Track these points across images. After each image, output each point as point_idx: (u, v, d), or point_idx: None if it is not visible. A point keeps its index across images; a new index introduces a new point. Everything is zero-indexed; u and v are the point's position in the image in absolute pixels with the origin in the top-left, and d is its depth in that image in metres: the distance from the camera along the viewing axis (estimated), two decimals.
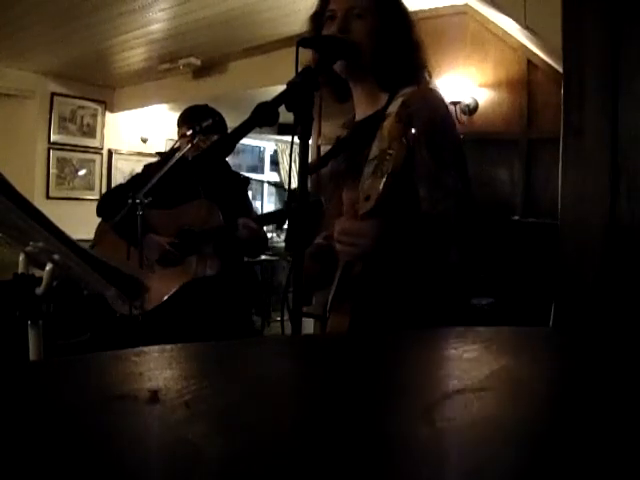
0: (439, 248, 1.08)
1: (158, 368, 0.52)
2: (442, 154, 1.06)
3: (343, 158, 1.21)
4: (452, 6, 3.21)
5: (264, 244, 2.22)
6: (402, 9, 1.20)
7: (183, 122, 2.15)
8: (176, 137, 2.22)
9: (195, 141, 2.02)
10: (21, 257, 1.09)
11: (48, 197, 5.38)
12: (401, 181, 1.00)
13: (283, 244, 5.07)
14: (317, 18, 1.23)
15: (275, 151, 7.47)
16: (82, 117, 5.63)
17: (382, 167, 0.98)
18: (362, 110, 1.23)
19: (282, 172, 7.13)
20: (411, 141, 0.99)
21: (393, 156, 0.97)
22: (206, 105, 2.22)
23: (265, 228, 2.30)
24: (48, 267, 1.09)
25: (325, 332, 1.22)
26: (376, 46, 1.14)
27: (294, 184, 0.99)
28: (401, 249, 1.05)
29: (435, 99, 1.12)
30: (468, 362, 0.60)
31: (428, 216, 1.06)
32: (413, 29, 1.20)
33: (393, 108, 1.08)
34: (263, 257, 5.05)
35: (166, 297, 2.01)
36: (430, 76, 1.21)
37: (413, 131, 0.98)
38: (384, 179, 0.97)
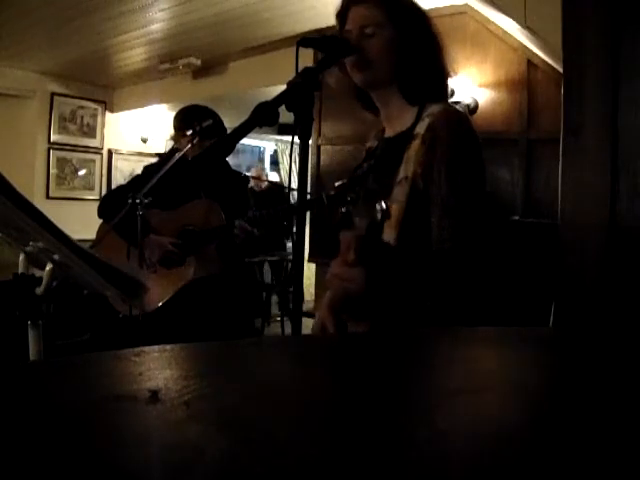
0: (444, 283, 1.07)
1: (158, 368, 0.52)
2: (457, 181, 1.06)
3: (374, 178, 1.20)
4: (452, 6, 3.21)
5: (261, 244, 2.22)
6: (419, 17, 1.19)
7: (182, 122, 2.15)
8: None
9: (195, 141, 2.02)
10: (21, 257, 1.09)
11: (48, 197, 5.38)
12: (418, 207, 1.05)
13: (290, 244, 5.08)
14: None
15: (275, 151, 7.47)
16: (82, 117, 5.63)
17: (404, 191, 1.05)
18: (391, 126, 1.23)
19: (282, 172, 7.13)
20: (433, 167, 1.04)
21: (409, 181, 1.04)
22: (200, 105, 2.22)
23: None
24: (48, 267, 1.09)
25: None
26: (395, 60, 1.14)
27: (294, 184, 0.99)
28: (406, 282, 1.06)
29: (459, 124, 1.10)
30: (468, 362, 0.60)
31: (436, 252, 1.07)
32: (434, 35, 1.19)
33: (420, 129, 1.09)
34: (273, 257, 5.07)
35: (167, 298, 2.01)
36: (447, 89, 1.21)
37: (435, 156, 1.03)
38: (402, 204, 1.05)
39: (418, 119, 1.12)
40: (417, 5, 1.20)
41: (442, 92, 1.19)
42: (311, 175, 3.78)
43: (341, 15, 1.20)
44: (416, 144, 1.07)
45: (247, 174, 3.47)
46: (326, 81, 1.21)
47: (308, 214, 2.88)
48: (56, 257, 1.06)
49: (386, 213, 1.06)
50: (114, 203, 2.04)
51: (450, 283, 1.06)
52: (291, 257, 5.41)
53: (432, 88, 1.16)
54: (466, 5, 3.14)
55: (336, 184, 1.38)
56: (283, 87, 0.98)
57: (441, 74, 1.19)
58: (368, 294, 1.03)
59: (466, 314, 1.09)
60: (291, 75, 0.97)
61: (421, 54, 1.15)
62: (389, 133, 1.23)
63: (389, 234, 1.07)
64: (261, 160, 7.82)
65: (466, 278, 1.06)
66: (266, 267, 5.59)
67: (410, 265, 1.07)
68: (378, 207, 1.07)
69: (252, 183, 5.82)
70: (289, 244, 5.02)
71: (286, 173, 6.94)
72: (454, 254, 1.05)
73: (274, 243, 5.12)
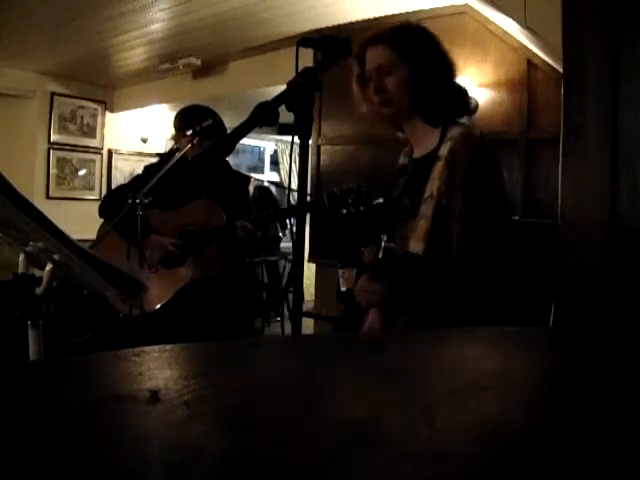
0: (458, 293, 1.20)
1: (158, 368, 0.52)
2: (474, 200, 1.16)
3: (407, 195, 1.31)
4: (452, 6, 3.21)
5: (269, 243, 2.22)
6: (432, 49, 1.28)
7: (182, 122, 2.15)
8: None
9: (195, 141, 2.02)
10: (21, 257, 1.09)
11: (48, 197, 5.38)
12: (442, 222, 1.18)
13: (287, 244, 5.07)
14: (360, 79, 1.33)
15: (275, 151, 7.47)
16: (82, 117, 5.63)
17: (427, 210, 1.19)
18: (418, 147, 1.34)
19: (282, 172, 7.13)
20: (454, 186, 1.16)
21: (434, 199, 1.17)
22: (201, 105, 2.22)
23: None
24: (48, 267, 1.09)
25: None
26: (413, 94, 1.25)
27: (294, 184, 1.00)
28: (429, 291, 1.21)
29: (476, 148, 1.21)
30: (468, 362, 0.60)
31: (454, 265, 1.18)
32: (448, 63, 1.29)
33: (443, 151, 1.21)
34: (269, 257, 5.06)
35: (168, 298, 2.01)
36: (471, 105, 1.36)
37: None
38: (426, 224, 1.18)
39: (441, 141, 1.23)
40: (430, 38, 1.30)
41: (462, 111, 1.31)
42: (311, 175, 3.78)
43: (359, 57, 1.31)
44: (440, 165, 1.19)
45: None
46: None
47: (308, 214, 2.88)
48: (56, 257, 1.06)
49: (388, 251, 1.20)
50: (115, 203, 2.04)
51: (463, 294, 1.18)
52: (284, 257, 5.42)
53: (452, 111, 1.28)
54: (466, 5, 3.14)
55: (374, 202, 1.50)
56: (283, 87, 0.98)
57: (458, 97, 1.30)
58: (391, 303, 1.20)
59: (470, 315, 1.19)
60: (291, 75, 0.97)
61: (437, 84, 1.26)
62: (417, 154, 1.34)
63: (417, 246, 1.20)
64: (261, 160, 7.82)
65: (477, 290, 1.18)
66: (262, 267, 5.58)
67: (432, 274, 1.20)
68: (383, 240, 1.21)
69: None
70: (285, 244, 5.02)
71: (286, 173, 6.94)
72: (468, 268, 1.17)
73: (274, 243, 5.12)
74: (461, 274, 1.17)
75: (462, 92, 1.32)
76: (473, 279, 1.18)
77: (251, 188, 5.91)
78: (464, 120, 1.30)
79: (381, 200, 1.50)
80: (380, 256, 1.19)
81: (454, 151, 1.18)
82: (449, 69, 1.29)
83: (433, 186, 1.19)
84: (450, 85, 1.28)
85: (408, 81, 1.25)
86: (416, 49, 1.26)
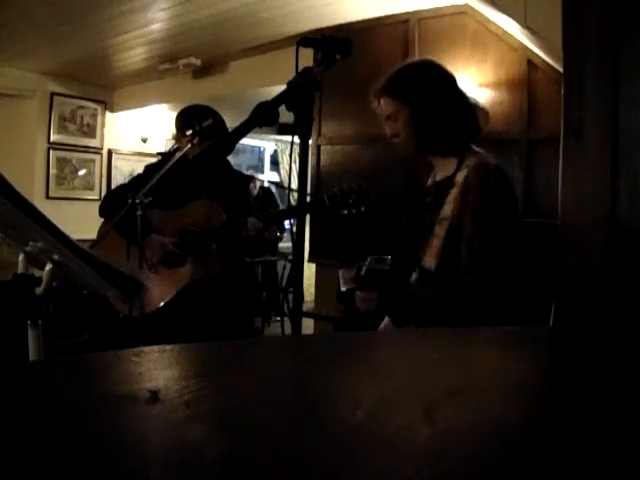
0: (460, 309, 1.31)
1: (158, 368, 0.52)
2: (482, 226, 1.27)
3: (428, 214, 1.43)
4: (452, 6, 3.21)
5: (271, 243, 2.21)
6: (435, 87, 1.39)
7: (182, 122, 2.14)
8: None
9: (195, 141, 2.02)
10: (21, 257, 1.09)
11: (48, 197, 5.37)
12: (453, 242, 1.30)
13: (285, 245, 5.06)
14: (380, 115, 1.48)
15: (275, 151, 7.47)
16: (82, 117, 5.62)
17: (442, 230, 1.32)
18: (440, 171, 1.46)
19: (282, 172, 7.13)
20: (465, 214, 1.28)
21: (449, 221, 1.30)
22: (202, 105, 2.22)
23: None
24: (48, 267, 1.08)
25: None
26: (416, 134, 1.38)
27: (294, 184, 1.01)
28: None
29: (488, 177, 1.31)
30: (468, 362, 0.60)
31: (459, 284, 1.29)
32: (456, 95, 1.41)
33: (459, 177, 1.33)
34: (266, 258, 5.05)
35: (169, 298, 2.01)
36: (479, 125, 1.43)
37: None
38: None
39: (458, 168, 1.35)
40: (432, 74, 1.42)
41: (474, 135, 1.41)
42: (311, 175, 3.78)
43: (377, 101, 1.45)
44: (455, 191, 1.32)
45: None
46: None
47: (308, 214, 2.88)
48: (56, 257, 1.06)
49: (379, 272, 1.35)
50: (115, 202, 2.04)
51: (467, 309, 1.29)
52: (284, 257, 5.41)
53: (462, 139, 1.39)
54: (466, 5, 3.14)
55: (403, 221, 1.59)
56: (283, 87, 0.98)
57: (467, 124, 1.40)
58: (382, 310, 1.38)
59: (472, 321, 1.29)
60: (291, 75, 0.97)
61: (439, 121, 1.36)
62: (438, 177, 1.46)
63: (430, 262, 1.33)
64: (261, 160, 7.82)
65: (480, 306, 1.29)
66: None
67: (440, 289, 1.32)
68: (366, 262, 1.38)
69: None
70: (285, 244, 5.01)
71: (286, 173, 6.94)
72: (472, 287, 1.27)
73: (275, 244, 5.10)
74: (466, 291, 1.28)
75: (471, 117, 1.42)
76: (476, 297, 1.29)
77: (256, 188, 5.92)
78: (479, 150, 1.40)
79: (407, 217, 1.62)
80: (362, 273, 1.36)
81: (467, 179, 1.30)
82: (452, 101, 1.40)
83: (448, 209, 1.31)
84: (455, 116, 1.38)
85: (410, 123, 1.38)
86: (415, 92, 1.38)
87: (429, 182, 1.55)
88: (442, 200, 1.35)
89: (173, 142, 2.28)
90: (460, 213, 1.29)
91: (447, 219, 1.31)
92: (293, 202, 3.68)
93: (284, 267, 5.66)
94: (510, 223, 1.34)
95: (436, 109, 1.37)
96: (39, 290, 1.09)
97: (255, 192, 5.86)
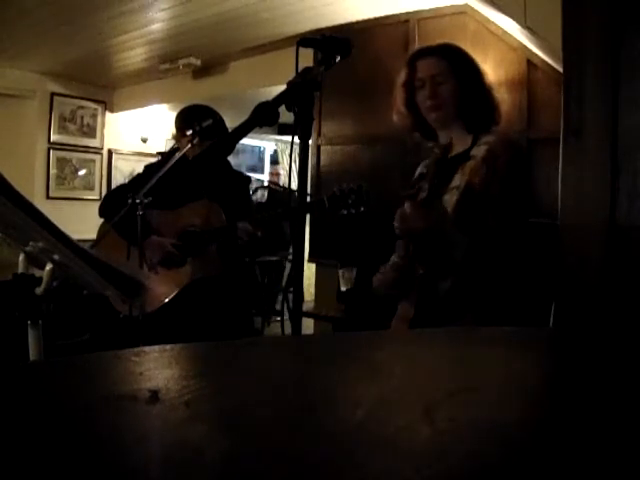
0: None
1: (158, 368, 0.52)
2: (508, 194, 1.32)
3: (428, 187, 1.44)
4: (452, 6, 3.21)
5: (265, 245, 2.21)
6: (474, 67, 1.48)
7: (182, 122, 2.14)
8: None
9: (195, 141, 2.02)
10: (21, 257, 1.09)
11: (48, 197, 5.37)
12: (465, 212, 1.31)
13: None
14: (408, 85, 1.49)
15: (275, 151, 7.47)
16: (82, 117, 5.62)
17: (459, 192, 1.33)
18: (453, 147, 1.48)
19: (282, 172, 7.13)
20: (492, 178, 1.31)
21: (472, 185, 1.32)
22: (202, 105, 2.22)
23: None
24: (48, 267, 1.08)
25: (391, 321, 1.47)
26: (459, 101, 1.43)
27: (294, 184, 1.00)
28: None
29: (516, 152, 1.40)
30: (468, 362, 0.60)
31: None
32: (484, 80, 1.48)
33: (477, 152, 1.37)
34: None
35: (168, 298, 2.01)
36: (500, 115, 1.50)
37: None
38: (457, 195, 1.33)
39: (473, 145, 1.40)
40: (472, 59, 1.50)
41: (494, 121, 1.48)
42: (311, 175, 3.78)
43: (410, 64, 1.48)
44: (471, 163, 1.35)
45: (250, 174, 3.46)
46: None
47: (308, 214, 2.88)
48: (56, 257, 1.06)
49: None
50: (115, 202, 2.04)
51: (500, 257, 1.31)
52: (284, 257, 5.41)
53: (486, 120, 1.45)
54: (466, 5, 3.14)
55: (403, 194, 1.53)
56: (283, 87, 0.97)
57: (491, 108, 1.47)
58: (430, 235, 1.31)
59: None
60: (291, 75, 0.97)
61: (477, 96, 1.44)
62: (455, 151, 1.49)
63: None
64: (261, 160, 7.82)
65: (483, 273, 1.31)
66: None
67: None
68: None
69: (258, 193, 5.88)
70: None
71: (286, 173, 6.94)
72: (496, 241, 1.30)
73: (277, 244, 5.10)
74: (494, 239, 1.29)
75: (495, 105, 1.48)
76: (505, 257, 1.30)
77: (264, 192, 5.91)
78: (495, 129, 1.47)
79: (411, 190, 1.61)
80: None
81: (494, 152, 1.34)
82: (485, 85, 1.47)
83: (459, 180, 1.34)
84: (485, 99, 1.46)
85: (456, 91, 1.43)
86: (462, 65, 1.45)
87: (419, 170, 1.58)
88: (452, 173, 1.38)
89: (173, 142, 2.28)
90: (484, 181, 1.32)
91: (458, 188, 1.34)
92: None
93: (284, 267, 5.66)
94: (529, 192, 1.45)
95: (476, 86, 1.44)
96: (39, 290, 1.09)
97: (259, 193, 5.87)
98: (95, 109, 5.69)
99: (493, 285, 1.32)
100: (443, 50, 1.48)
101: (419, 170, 1.59)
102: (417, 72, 1.46)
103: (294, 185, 1.00)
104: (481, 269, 1.32)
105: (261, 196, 5.99)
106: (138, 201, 1.85)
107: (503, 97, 3.14)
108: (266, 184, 6.68)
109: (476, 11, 3.10)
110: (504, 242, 1.31)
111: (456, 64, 1.45)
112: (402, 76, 1.51)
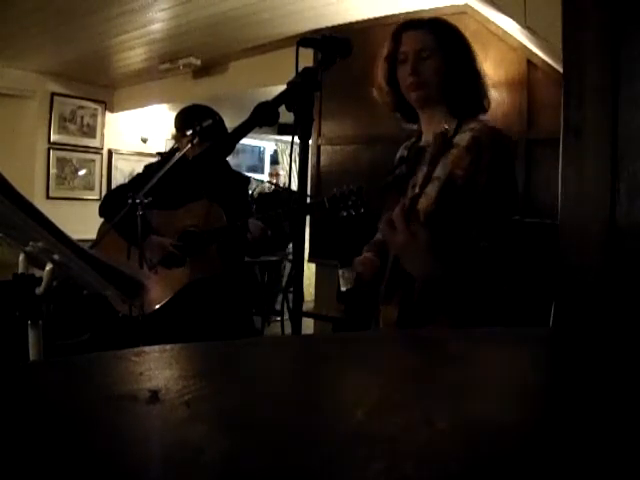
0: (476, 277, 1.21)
1: (158, 368, 0.52)
2: (493, 189, 1.20)
3: (408, 175, 1.34)
4: (452, 6, 3.21)
5: (273, 243, 2.21)
6: (464, 45, 1.36)
7: (182, 122, 2.15)
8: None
9: (195, 141, 2.02)
10: (21, 257, 1.09)
11: (48, 197, 5.38)
12: (448, 203, 1.20)
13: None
14: (390, 59, 1.38)
15: (275, 151, 7.47)
16: (82, 117, 5.63)
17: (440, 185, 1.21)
18: (430, 135, 1.34)
19: (282, 172, 7.13)
20: (476, 170, 1.19)
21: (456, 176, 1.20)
22: (201, 105, 2.22)
23: None
24: (48, 267, 1.09)
25: (377, 323, 1.37)
26: (444, 81, 1.30)
27: (294, 184, 1.00)
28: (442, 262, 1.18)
29: (503, 142, 1.26)
30: (468, 362, 0.60)
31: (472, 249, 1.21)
32: (475, 62, 1.36)
33: (461, 140, 1.24)
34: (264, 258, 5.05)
35: (168, 298, 2.01)
36: (489, 103, 1.36)
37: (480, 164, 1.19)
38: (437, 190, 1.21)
39: (457, 131, 1.27)
40: (462, 36, 1.40)
41: (481, 108, 1.35)
42: (311, 175, 3.78)
43: (395, 36, 1.37)
44: (455, 152, 1.22)
45: (252, 175, 3.47)
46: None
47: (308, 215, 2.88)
48: (56, 257, 1.06)
49: None
50: (115, 202, 2.04)
51: (486, 276, 1.20)
52: (284, 257, 5.42)
53: (472, 104, 1.33)
54: (466, 5, 3.14)
55: (383, 184, 1.47)
56: (283, 87, 0.97)
57: (480, 93, 1.34)
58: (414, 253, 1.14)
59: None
60: (291, 75, 0.97)
61: (464, 77, 1.31)
62: (424, 142, 1.38)
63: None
64: (261, 160, 7.82)
65: (499, 272, 1.21)
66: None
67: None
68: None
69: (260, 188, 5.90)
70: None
71: (286, 173, 6.94)
72: (488, 253, 1.19)
73: (281, 243, 5.11)
74: (482, 257, 1.18)
75: (484, 91, 1.36)
76: (495, 262, 1.20)
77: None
78: (483, 117, 1.35)
79: (385, 181, 1.51)
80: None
81: (479, 141, 1.21)
82: (474, 65, 1.35)
83: (443, 169, 1.21)
84: (474, 80, 1.33)
85: (442, 68, 1.29)
86: (451, 41, 1.33)
87: (400, 154, 1.47)
88: (435, 161, 1.24)
89: (173, 142, 2.28)
90: (467, 174, 1.20)
91: (439, 179, 1.21)
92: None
93: (283, 267, 5.67)
94: (516, 185, 1.29)
95: (465, 65, 1.33)
96: (39, 290, 1.09)
97: (259, 189, 5.90)
98: (95, 109, 5.69)
99: (468, 286, 1.20)
100: (432, 24, 1.36)
101: (399, 153, 1.48)
102: (401, 45, 1.34)
103: (294, 185, 1.00)
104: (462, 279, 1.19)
105: (268, 188, 6.01)
106: (138, 201, 1.85)
107: (503, 97, 3.15)
108: (266, 184, 6.68)
109: (476, 11, 3.10)
110: (490, 250, 1.20)
111: (444, 40, 1.32)
112: (385, 48, 1.39)
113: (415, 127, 1.45)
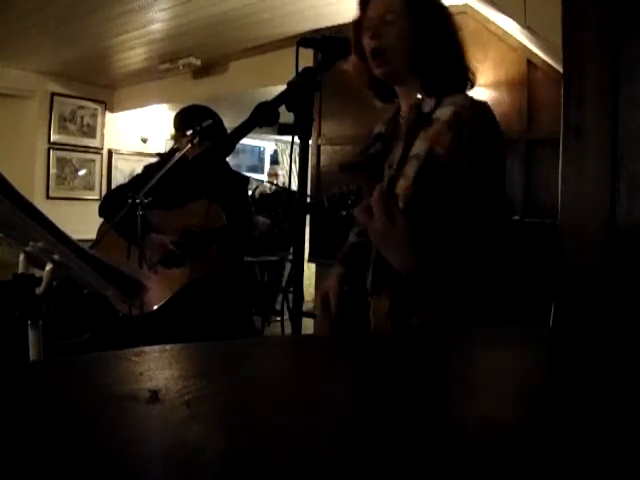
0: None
1: (158, 368, 0.52)
2: (478, 169, 1.08)
3: (384, 153, 1.22)
4: (452, 6, 3.20)
5: (276, 241, 2.22)
6: (439, 10, 1.19)
7: (182, 122, 2.15)
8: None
9: (195, 141, 2.02)
10: (21, 257, 1.09)
11: (48, 197, 5.38)
12: (428, 183, 1.08)
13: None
14: (357, 26, 1.23)
15: (275, 151, 7.47)
16: (82, 117, 5.63)
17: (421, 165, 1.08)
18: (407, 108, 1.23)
19: (281, 172, 7.14)
20: (458, 149, 1.06)
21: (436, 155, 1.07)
22: (201, 105, 2.22)
23: None
24: (48, 267, 1.09)
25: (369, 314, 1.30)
26: (412, 50, 1.15)
27: (294, 184, 1.00)
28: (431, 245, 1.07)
29: (487, 117, 1.13)
30: (468, 362, 0.60)
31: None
32: (454, 30, 1.20)
33: (441, 115, 1.11)
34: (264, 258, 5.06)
35: (168, 298, 2.01)
36: (475, 78, 1.23)
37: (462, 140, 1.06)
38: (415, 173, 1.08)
39: (437, 105, 1.13)
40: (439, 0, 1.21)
41: (460, 86, 1.20)
42: (311, 175, 3.78)
43: (362, 2, 1.21)
44: (435, 128, 1.10)
45: (252, 174, 3.47)
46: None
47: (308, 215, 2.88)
48: (56, 257, 1.06)
49: None
50: (115, 202, 2.04)
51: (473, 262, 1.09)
52: (284, 257, 5.42)
53: (450, 81, 1.17)
54: (466, 5, 3.14)
55: (355, 161, 1.36)
56: (283, 87, 0.98)
57: (460, 68, 1.20)
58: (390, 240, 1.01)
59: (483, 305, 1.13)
60: (291, 75, 0.97)
61: (439, 47, 1.15)
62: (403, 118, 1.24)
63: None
64: (261, 160, 7.82)
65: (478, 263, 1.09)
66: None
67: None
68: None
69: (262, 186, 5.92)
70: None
71: (285, 173, 6.94)
72: (473, 244, 1.07)
73: (283, 243, 5.10)
74: (468, 247, 1.07)
75: (465, 67, 1.22)
76: (480, 254, 1.09)
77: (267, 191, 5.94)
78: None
79: (350, 162, 1.43)
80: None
81: (460, 116, 1.08)
82: (453, 35, 1.20)
83: (420, 147, 1.10)
84: (452, 52, 1.19)
85: (409, 35, 1.14)
86: (423, 4, 1.16)
87: (376, 130, 1.34)
88: (413, 137, 1.12)
89: (173, 142, 2.28)
90: (449, 152, 1.07)
91: (418, 157, 1.09)
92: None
93: (283, 267, 5.67)
94: (503, 167, 1.17)
95: (441, 30, 1.16)
96: (39, 290, 1.09)
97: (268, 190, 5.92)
98: (95, 109, 5.70)
99: (457, 275, 1.09)
100: None
101: (376, 129, 1.35)
102: (368, 10, 1.19)
103: (294, 185, 1.00)
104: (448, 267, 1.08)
105: (269, 189, 6.02)
106: (138, 201, 1.85)
107: (503, 97, 3.15)
108: (267, 185, 6.69)
109: (476, 11, 3.10)
110: (476, 233, 1.08)
111: (415, 3, 1.15)
112: (355, 15, 1.24)
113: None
